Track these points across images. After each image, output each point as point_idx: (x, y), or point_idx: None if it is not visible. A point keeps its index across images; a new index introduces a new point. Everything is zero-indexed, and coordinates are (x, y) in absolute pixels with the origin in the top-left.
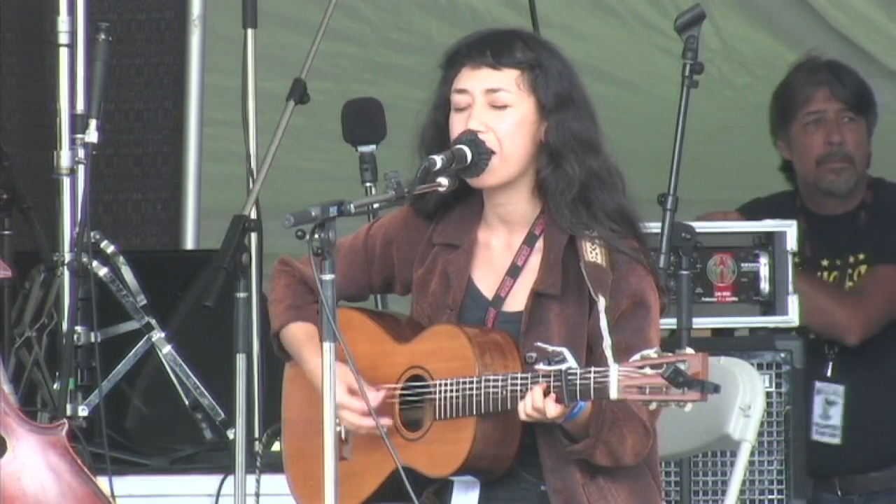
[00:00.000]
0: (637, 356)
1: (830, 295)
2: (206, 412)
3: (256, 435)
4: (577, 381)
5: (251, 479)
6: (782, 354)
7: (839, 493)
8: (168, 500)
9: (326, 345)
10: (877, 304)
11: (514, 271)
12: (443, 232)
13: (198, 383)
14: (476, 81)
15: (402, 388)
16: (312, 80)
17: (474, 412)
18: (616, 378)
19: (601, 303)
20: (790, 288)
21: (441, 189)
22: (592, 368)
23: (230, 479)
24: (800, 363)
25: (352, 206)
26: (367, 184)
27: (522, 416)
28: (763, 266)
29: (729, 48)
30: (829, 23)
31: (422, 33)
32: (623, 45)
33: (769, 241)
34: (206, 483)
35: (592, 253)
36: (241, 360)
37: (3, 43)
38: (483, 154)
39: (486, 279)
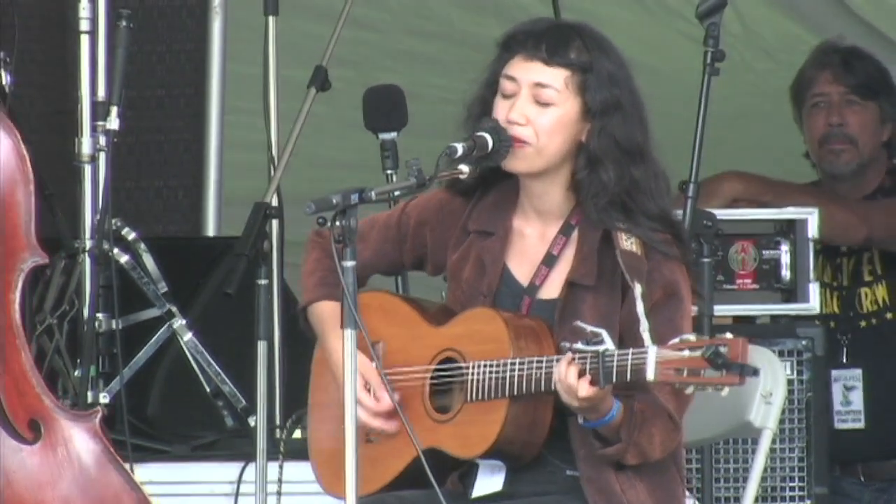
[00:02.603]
0: (676, 339)
1: (834, 198)
2: (228, 399)
3: (278, 422)
4: (615, 363)
5: (272, 466)
6: (804, 342)
7: (861, 478)
8: (189, 487)
9: (347, 332)
10: (881, 209)
11: (549, 260)
12: (478, 219)
13: (219, 370)
14: (526, 73)
15: (434, 371)
16: (333, 68)
17: (507, 394)
18: (654, 359)
19: (637, 289)
20: (811, 275)
21: (462, 176)
22: (630, 350)
23: (251, 466)
24: (821, 350)
25: (373, 193)
26: (389, 171)
27: (559, 389)
28: (784, 253)
29: (751, 33)
30: (850, 8)
31: (443, 21)
32: (645, 30)
33: (790, 229)
34: (227, 470)
35: (627, 242)
36: (262, 347)
37: (25, 30)
38: (504, 142)
39: (520, 267)
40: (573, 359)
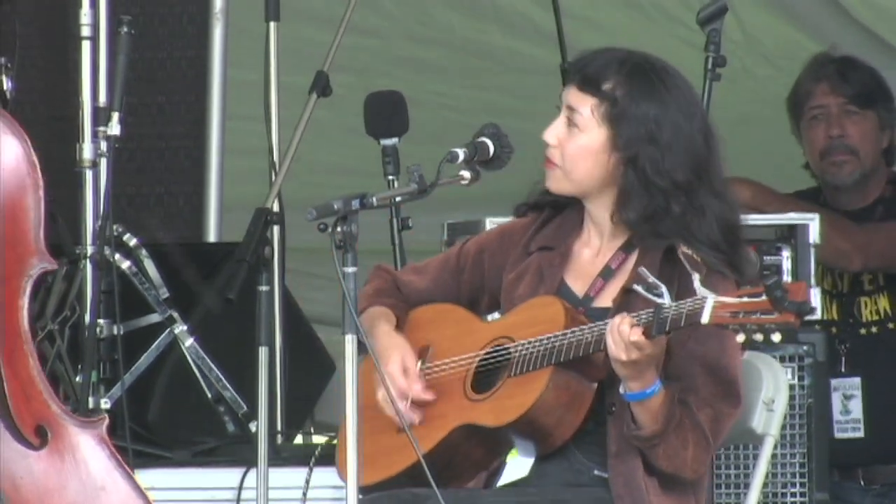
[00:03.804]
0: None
1: (834, 224)
2: (229, 405)
3: (279, 428)
4: (671, 313)
5: (273, 472)
6: (805, 348)
7: (862, 482)
8: (190, 493)
9: (348, 337)
10: (879, 236)
11: (606, 273)
12: (541, 239)
13: (220, 376)
14: (566, 96)
15: (483, 357)
16: (334, 74)
17: (553, 361)
18: (712, 304)
19: (696, 276)
20: (812, 281)
21: (463, 182)
22: (689, 299)
23: (252, 472)
24: (822, 356)
25: (374, 199)
26: (390, 177)
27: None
28: (785, 259)
29: (751, 40)
30: (850, 14)
31: (444, 27)
32: (645, 37)
33: (792, 234)
34: (228, 476)
35: (689, 249)
36: (263, 352)
37: (26, 36)
38: (506, 148)
39: (576, 282)
40: (628, 314)
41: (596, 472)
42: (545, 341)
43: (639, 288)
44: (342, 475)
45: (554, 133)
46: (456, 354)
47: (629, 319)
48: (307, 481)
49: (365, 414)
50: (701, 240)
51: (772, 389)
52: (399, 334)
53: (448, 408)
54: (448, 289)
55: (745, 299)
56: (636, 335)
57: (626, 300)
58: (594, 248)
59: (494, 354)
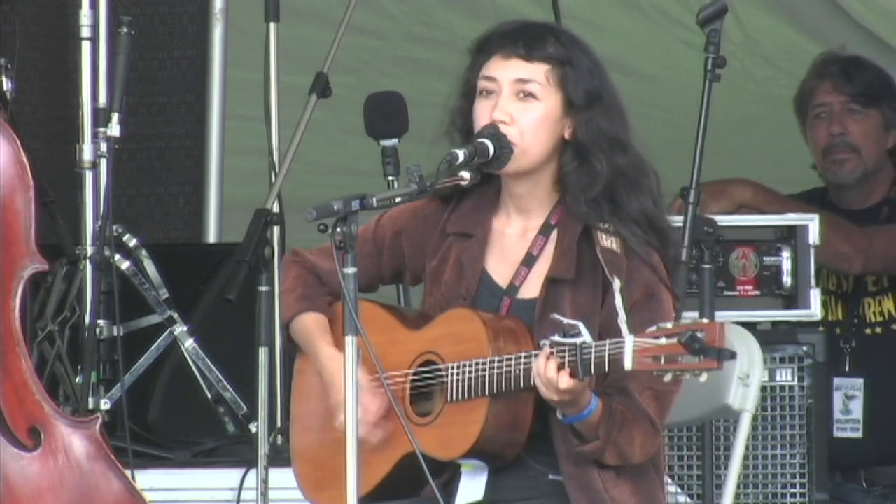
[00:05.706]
0: (653, 327)
1: (835, 226)
2: (229, 405)
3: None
4: (593, 354)
5: (274, 472)
6: (804, 348)
7: (864, 484)
8: (190, 494)
9: (349, 338)
10: (880, 239)
11: (528, 260)
12: (457, 222)
13: (220, 377)
14: (506, 71)
15: (414, 374)
16: (334, 74)
17: (486, 392)
18: (631, 348)
19: (616, 283)
20: (812, 281)
21: (464, 183)
22: (608, 341)
23: (252, 472)
24: (822, 357)
25: (374, 199)
26: (390, 178)
27: (538, 384)
28: (785, 260)
29: (751, 41)
30: (850, 15)
31: (444, 27)
32: (645, 38)
33: (791, 235)
34: (228, 476)
35: (608, 241)
36: (263, 353)
37: (26, 37)
38: (505, 148)
39: (499, 268)
40: (551, 352)
41: (551, 476)
42: (475, 368)
43: (557, 338)
44: (303, 488)
45: (504, 110)
46: (385, 367)
47: (553, 363)
48: (265, 485)
49: (310, 422)
50: (631, 211)
51: (746, 364)
52: (340, 354)
53: (395, 428)
54: (369, 273)
55: (664, 340)
56: (565, 383)
57: (552, 291)
58: (515, 229)
59: (425, 374)
